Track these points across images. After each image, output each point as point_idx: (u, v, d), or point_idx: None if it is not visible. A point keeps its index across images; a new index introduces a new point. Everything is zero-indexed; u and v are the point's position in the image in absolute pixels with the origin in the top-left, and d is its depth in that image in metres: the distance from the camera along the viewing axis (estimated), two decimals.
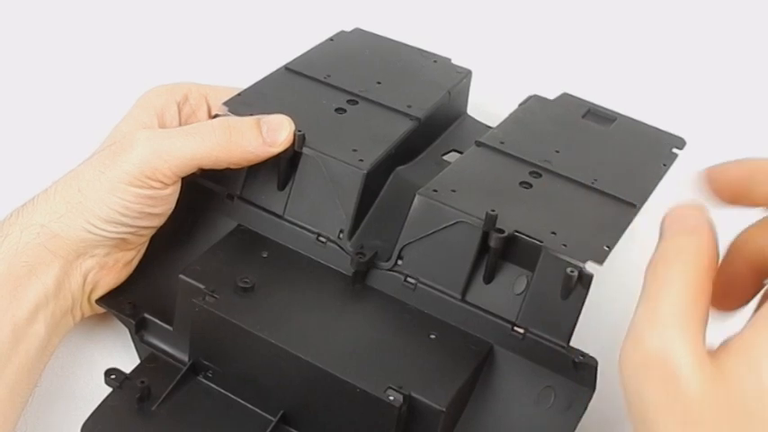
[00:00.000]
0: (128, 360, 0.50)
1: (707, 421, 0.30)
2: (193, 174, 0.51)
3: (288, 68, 0.59)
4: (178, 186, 0.50)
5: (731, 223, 0.36)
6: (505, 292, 0.47)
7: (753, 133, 0.74)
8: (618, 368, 0.33)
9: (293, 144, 0.51)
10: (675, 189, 0.55)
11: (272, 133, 0.49)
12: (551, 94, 0.60)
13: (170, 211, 0.51)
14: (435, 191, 0.49)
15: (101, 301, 0.51)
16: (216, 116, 0.53)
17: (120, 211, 0.48)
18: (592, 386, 0.45)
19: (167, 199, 0.49)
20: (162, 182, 0.48)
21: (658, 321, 0.32)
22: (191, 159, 0.48)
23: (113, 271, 0.51)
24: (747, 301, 0.36)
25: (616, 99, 0.60)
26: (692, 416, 0.30)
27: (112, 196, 0.48)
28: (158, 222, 0.51)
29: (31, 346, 0.46)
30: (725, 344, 0.32)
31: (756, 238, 0.35)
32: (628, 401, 0.32)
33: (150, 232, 0.51)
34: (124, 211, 0.48)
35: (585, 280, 0.45)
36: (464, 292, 0.48)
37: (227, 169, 0.52)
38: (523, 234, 0.46)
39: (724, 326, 0.35)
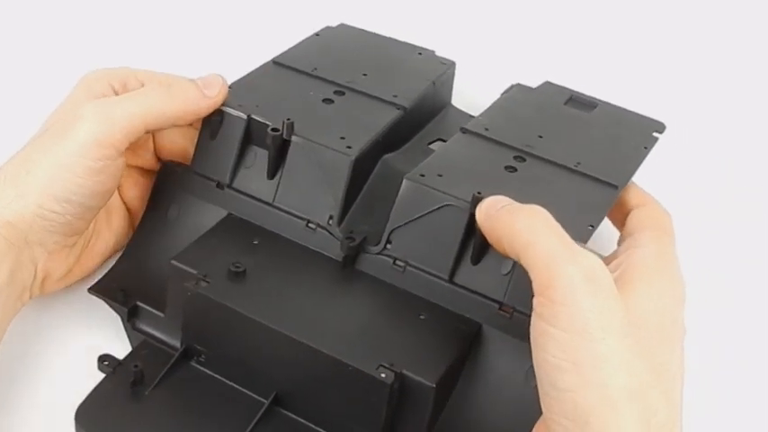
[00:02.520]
0: (120, 347, 0.51)
1: (626, 321, 0.40)
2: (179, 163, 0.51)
3: (275, 62, 0.60)
4: (123, 160, 0.51)
5: None
6: (492, 273, 0.48)
7: (730, 117, 0.76)
8: (547, 291, 0.39)
9: (282, 133, 0.52)
10: (656, 170, 0.57)
11: (208, 86, 0.52)
12: (534, 83, 0.61)
13: (113, 191, 0.51)
14: (422, 175, 0.50)
15: (93, 289, 0.52)
16: None
17: (71, 188, 0.48)
18: None
19: (115, 173, 0.50)
20: (116, 147, 0.49)
21: (577, 248, 0.41)
22: (139, 118, 0.49)
23: (61, 258, 0.51)
24: None
25: (597, 87, 0.61)
26: (618, 316, 0.39)
27: (65, 173, 0.48)
28: (102, 203, 0.51)
29: None
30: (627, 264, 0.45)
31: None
32: (562, 316, 0.39)
33: (93, 215, 0.51)
34: (75, 188, 0.48)
35: None
36: (452, 274, 0.49)
37: (217, 159, 0.53)
38: None
39: None
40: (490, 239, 0.45)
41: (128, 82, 0.55)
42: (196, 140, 0.54)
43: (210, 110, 0.52)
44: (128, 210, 0.56)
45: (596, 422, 0.38)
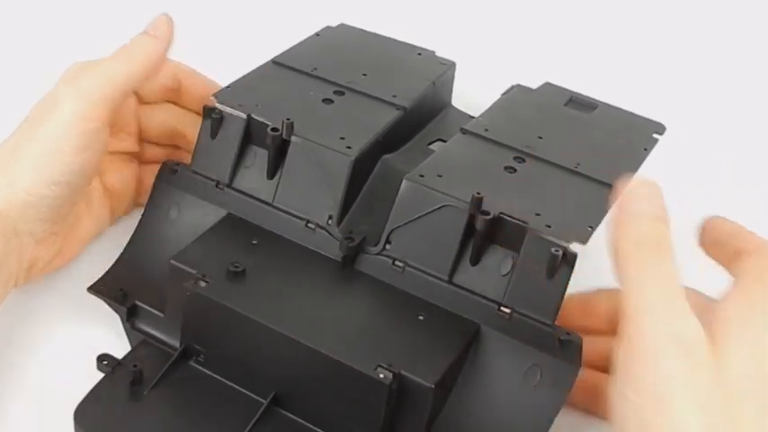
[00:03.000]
0: (120, 347, 0.51)
1: (716, 393, 0.35)
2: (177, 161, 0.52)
3: (275, 62, 0.60)
4: (107, 134, 0.52)
5: None
6: (492, 274, 0.48)
7: (730, 117, 0.76)
8: (630, 345, 0.36)
9: (282, 133, 0.52)
10: (656, 171, 0.57)
11: (155, 29, 0.54)
12: (534, 83, 0.61)
13: (98, 168, 0.52)
14: (422, 176, 0.50)
15: (92, 288, 0.52)
16: (205, 107, 0.54)
17: (59, 168, 0.49)
18: (577, 363, 0.46)
19: (101, 148, 0.51)
20: (100, 119, 0.50)
21: (676, 304, 0.37)
22: (110, 85, 0.51)
23: (47, 246, 0.52)
24: None
25: (598, 88, 0.61)
26: (705, 388, 0.35)
27: (53, 154, 0.49)
28: (88, 181, 0.52)
29: None
30: (716, 318, 0.38)
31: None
32: (637, 376, 0.36)
33: (79, 196, 0.52)
34: (63, 167, 0.49)
35: (570, 259, 0.46)
36: (451, 275, 0.49)
37: (216, 159, 0.53)
38: (508, 216, 0.47)
39: None
40: (610, 233, 0.41)
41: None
42: (183, 118, 0.56)
43: (166, 48, 0.54)
44: (109, 196, 0.57)
45: None
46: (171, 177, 0.55)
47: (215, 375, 0.48)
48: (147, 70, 0.52)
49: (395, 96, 0.57)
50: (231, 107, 0.53)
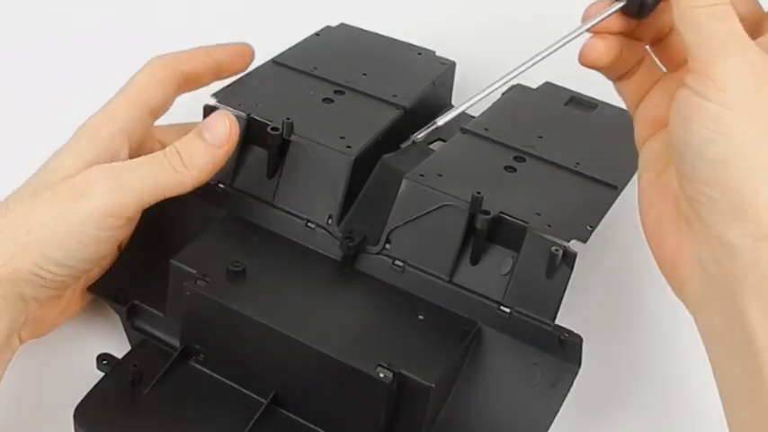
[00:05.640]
0: (120, 347, 0.51)
1: None
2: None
3: (275, 61, 0.60)
4: (130, 228, 0.50)
5: None
6: (492, 273, 0.48)
7: None
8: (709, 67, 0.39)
9: (282, 133, 0.52)
10: None
11: (215, 135, 0.48)
12: (534, 83, 0.61)
13: (109, 258, 0.52)
14: (422, 175, 0.50)
15: (92, 288, 0.52)
16: (206, 107, 0.54)
17: (73, 255, 0.46)
18: (577, 363, 0.46)
19: (120, 238, 0.49)
20: (127, 218, 0.47)
21: (746, 41, 0.39)
22: (152, 191, 0.48)
23: (52, 306, 0.50)
24: None
25: (598, 87, 0.61)
26: None
27: (69, 240, 0.46)
28: (99, 265, 0.51)
29: None
30: None
31: None
32: (723, 94, 0.38)
33: (88, 274, 0.51)
34: (77, 254, 0.46)
35: (569, 258, 0.46)
36: (451, 274, 0.49)
37: None
38: (508, 215, 0.47)
39: None
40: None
41: (133, 135, 0.52)
42: None
43: (227, 157, 0.49)
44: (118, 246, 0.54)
45: (750, 194, 0.37)
46: None
47: (215, 375, 0.48)
48: (197, 183, 0.48)
49: (395, 96, 0.57)
50: (231, 107, 0.53)
